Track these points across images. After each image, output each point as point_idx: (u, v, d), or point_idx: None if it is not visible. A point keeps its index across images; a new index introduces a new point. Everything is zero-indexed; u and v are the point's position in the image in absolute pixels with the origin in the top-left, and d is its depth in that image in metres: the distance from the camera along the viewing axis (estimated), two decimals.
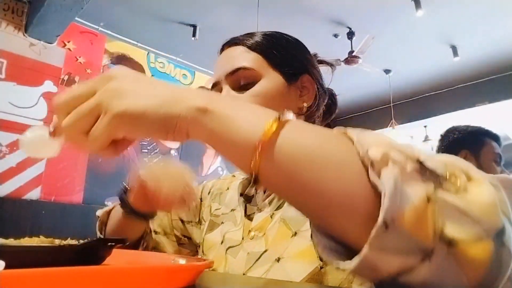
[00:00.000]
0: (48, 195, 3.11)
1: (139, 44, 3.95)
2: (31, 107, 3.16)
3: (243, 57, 0.66)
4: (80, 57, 3.54)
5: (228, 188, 0.81)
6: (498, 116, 5.01)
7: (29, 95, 3.16)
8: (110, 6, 3.42)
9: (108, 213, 0.79)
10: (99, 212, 0.81)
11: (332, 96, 0.80)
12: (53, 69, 3.33)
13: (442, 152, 1.56)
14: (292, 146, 0.31)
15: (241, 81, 0.65)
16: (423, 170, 0.28)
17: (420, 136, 6.48)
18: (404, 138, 6.53)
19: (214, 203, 0.80)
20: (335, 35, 3.92)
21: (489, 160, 1.47)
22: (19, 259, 0.28)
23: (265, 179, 0.32)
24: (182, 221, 0.84)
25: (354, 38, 3.86)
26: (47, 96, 3.26)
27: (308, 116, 0.71)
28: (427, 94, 5.31)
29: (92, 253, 0.34)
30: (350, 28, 3.81)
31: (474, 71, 4.63)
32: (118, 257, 0.39)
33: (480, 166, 1.43)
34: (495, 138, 1.51)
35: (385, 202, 0.26)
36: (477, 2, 3.33)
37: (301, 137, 0.32)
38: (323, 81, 0.75)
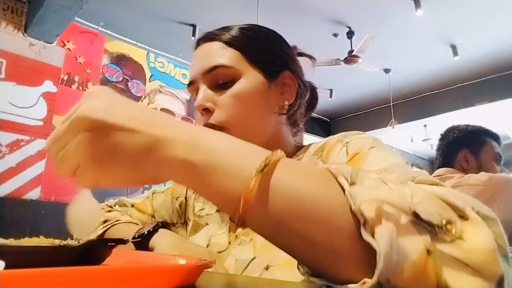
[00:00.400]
0: (48, 195, 3.11)
1: (138, 44, 3.95)
2: (31, 107, 3.16)
3: (220, 54, 0.62)
4: (79, 57, 3.54)
5: None
6: (498, 115, 5.01)
7: (29, 95, 3.16)
8: (109, 6, 3.42)
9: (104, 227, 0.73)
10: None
11: (313, 90, 0.77)
12: (52, 69, 3.33)
13: (443, 151, 1.57)
14: (277, 198, 0.30)
15: (219, 79, 0.61)
16: (418, 222, 0.27)
17: (420, 136, 6.48)
18: (404, 137, 6.54)
19: (198, 203, 0.77)
20: (335, 35, 3.92)
21: (489, 160, 1.47)
22: (19, 259, 0.28)
23: (252, 227, 0.32)
24: (168, 223, 0.80)
25: (353, 38, 3.86)
26: (47, 96, 3.26)
27: (290, 114, 0.68)
28: (426, 94, 5.31)
29: (92, 253, 0.34)
30: (349, 28, 3.81)
31: (473, 70, 4.63)
32: (117, 257, 0.39)
33: (480, 165, 1.43)
34: (495, 137, 1.51)
35: (380, 263, 0.25)
36: (476, 2, 3.33)
37: (288, 188, 0.30)
38: (303, 76, 0.72)
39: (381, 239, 0.26)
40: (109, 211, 0.78)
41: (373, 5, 3.43)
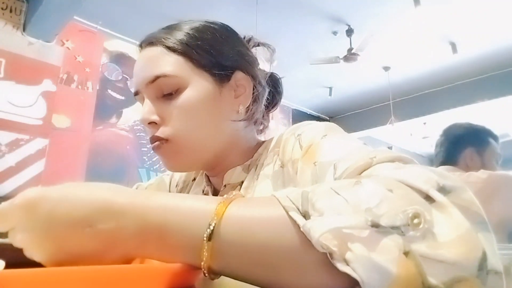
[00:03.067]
0: None
1: (138, 43, 3.92)
2: (30, 106, 3.16)
3: (162, 62, 0.56)
4: (78, 55, 3.53)
5: (194, 179, 0.75)
6: (498, 113, 5.01)
7: (28, 94, 3.16)
8: (108, 4, 3.41)
9: None
10: None
11: (275, 83, 0.71)
12: (51, 68, 3.33)
13: (446, 148, 1.55)
14: (234, 258, 0.30)
15: (163, 90, 0.56)
16: (381, 230, 0.26)
17: (419, 133, 6.48)
18: (403, 135, 6.55)
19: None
20: (334, 32, 3.91)
21: (491, 160, 1.49)
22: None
23: (222, 275, 0.32)
24: None
25: (353, 35, 3.86)
26: (46, 95, 3.25)
27: (249, 118, 0.63)
28: (426, 91, 5.31)
29: None
30: (349, 25, 3.81)
31: (473, 68, 4.63)
32: None
33: (483, 165, 1.44)
34: (497, 138, 1.53)
35: None
36: None
37: (241, 245, 0.29)
38: (260, 71, 0.66)
39: (356, 265, 0.25)
40: None
41: (372, 3, 3.42)
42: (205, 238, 0.29)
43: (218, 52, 0.59)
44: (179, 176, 0.79)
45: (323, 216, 0.28)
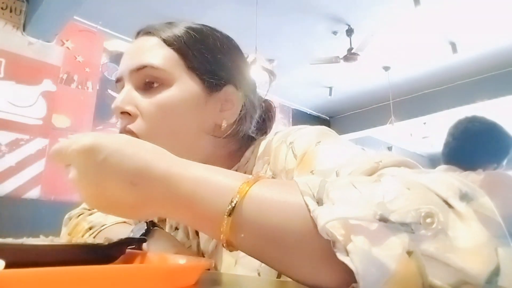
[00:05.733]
0: (47, 194, 3.11)
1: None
2: (30, 106, 3.16)
3: (154, 52, 0.54)
4: (78, 55, 3.53)
5: None
6: (498, 113, 5.01)
7: (28, 94, 3.16)
8: (108, 4, 3.41)
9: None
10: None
11: (268, 111, 0.67)
12: (51, 68, 3.33)
13: (474, 155, 1.40)
14: (249, 235, 0.32)
15: (147, 82, 0.53)
16: (390, 225, 0.26)
17: (419, 133, 6.48)
18: (403, 135, 6.55)
19: None
20: (334, 32, 3.91)
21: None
22: (45, 257, 0.29)
23: (237, 249, 0.34)
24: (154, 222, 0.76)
25: (353, 35, 3.86)
26: (46, 95, 3.25)
27: (229, 136, 0.58)
28: (426, 91, 5.31)
29: (113, 253, 0.35)
30: (349, 25, 3.81)
31: (473, 67, 4.63)
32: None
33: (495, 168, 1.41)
34: None
35: (360, 282, 0.25)
36: None
37: (256, 224, 0.32)
38: (255, 94, 0.63)
39: (355, 257, 0.25)
40: (90, 215, 0.73)
41: (372, 3, 3.42)
42: (226, 213, 0.31)
43: (214, 59, 0.56)
44: None
45: (334, 205, 0.28)
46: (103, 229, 0.68)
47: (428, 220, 0.25)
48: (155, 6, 3.43)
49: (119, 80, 0.57)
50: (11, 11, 3.16)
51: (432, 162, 7.69)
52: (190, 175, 0.34)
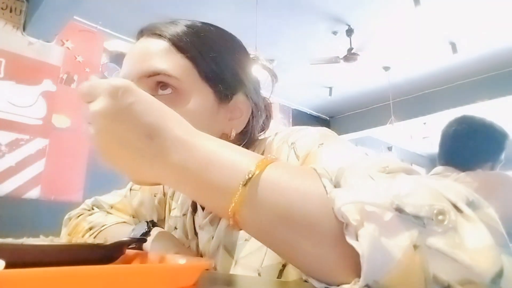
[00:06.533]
0: (47, 194, 3.10)
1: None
2: (30, 106, 3.16)
3: (167, 59, 0.51)
4: (78, 55, 3.53)
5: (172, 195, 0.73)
6: (498, 113, 5.01)
7: (28, 94, 3.16)
8: (108, 4, 3.41)
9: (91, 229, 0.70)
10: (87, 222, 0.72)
11: (266, 107, 0.67)
12: (51, 68, 3.33)
13: (470, 155, 1.41)
14: (261, 210, 0.31)
15: (158, 89, 0.51)
16: (403, 216, 0.26)
17: (420, 133, 6.49)
18: (403, 135, 6.55)
19: (173, 201, 0.71)
20: (334, 32, 3.91)
21: (498, 164, 1.47)
22: (45, 257, 0.29)
23: (245, 230, 0.33)
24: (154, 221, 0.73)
25: (353, 35, 3.86)
26: (46, 95, 3.25)
27: (235, 142, 0.56)
28: (426, 91, 5.31)
29: (113, 253, 0.35)
30: (349, 25, 3.81)
31: (473, 67, 4.63)
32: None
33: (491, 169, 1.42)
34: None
35: (364, 266, 0.25)
36: None
37: (271, 199, 0.31)
38: (260, 95, 0.62)
39: (363, 241, 0.26)
40: (90, 215, 0.74)
41: (372, 3, 3.42)
42: (242, 183, 0.31)
43: (227, 68, 0.55)
44: None
45: (352, 189, 0.29)
46: (103, 229, 0.68)
47: (440, 217, 0.26)
48: (155, 6, 3.43)
49: None
50: (11, 11, 3.16)
51: (432, 162, 7.69)
52: (205, 146, 0.35)
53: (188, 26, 0.54)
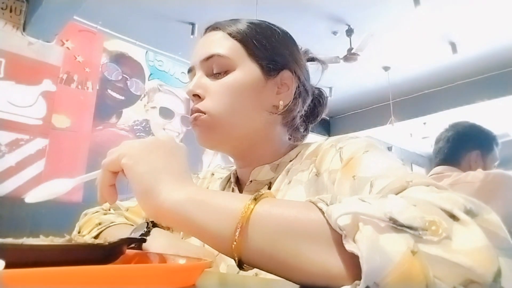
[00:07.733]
0: None
1: (137, 43, 3.93)
2: (30, 106, 3.15)
3: (220, 44, 0.62)
4: (78, 55, 3.53)
5: (213, 174, 0.82)
6: (498, 113, 5.01)
7: (28, 94, 3.15)
8: (108, 4, 3.41)
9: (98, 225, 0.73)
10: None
11: (319, 97, 0.76)
12: (51, 68, 3.33)
13: (452, 145, 1.52)
14: (262, 235, 0.33)
15: (214, 69, 0.61)
16: (397, 227, 0.27)
17: (419, 133, 6.48)
18: (403, 135, 6.54)
19: None
20: (334, 32, 3.91)
21: (491, 165, 1.51)
22: (45, 257, 0.29)
23: (245, 261, 0.35)
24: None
25: (353, 35, 3.85)
26: (46, 95, 3.25)
27: (286, 116, 0.67)
28: (426, 91, 5.31)
29: (113, 253, 0.35)
30: (349, 25, 3.81)
31: (473, 67, 4.62)
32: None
33: (484, 169, 1.44)
34: (498, 145, 1.55)
35: (363, 266, 0.26)
36: None
37: (269, 225, 0.33)
38: (308, 80, 0.71)
39: (361, 244, 0.27)
40: (104, 214, 0.77)
41: (372, 3, 3.42)
42: (235, 226, 0.34)
43: (272, 48, 0.64)
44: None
45: (345, 203, 0.31)
46: (111, 225, 0.71)
47: (433, 227, 0.27)
48: (155, 6, 3.43)
49: (190, 70, 0.66)
50: (11, 11, 3.16)
51: (432, 162, 7.67)
52: (193, 198, 0.38)
53: (243, 20, 0.65)
